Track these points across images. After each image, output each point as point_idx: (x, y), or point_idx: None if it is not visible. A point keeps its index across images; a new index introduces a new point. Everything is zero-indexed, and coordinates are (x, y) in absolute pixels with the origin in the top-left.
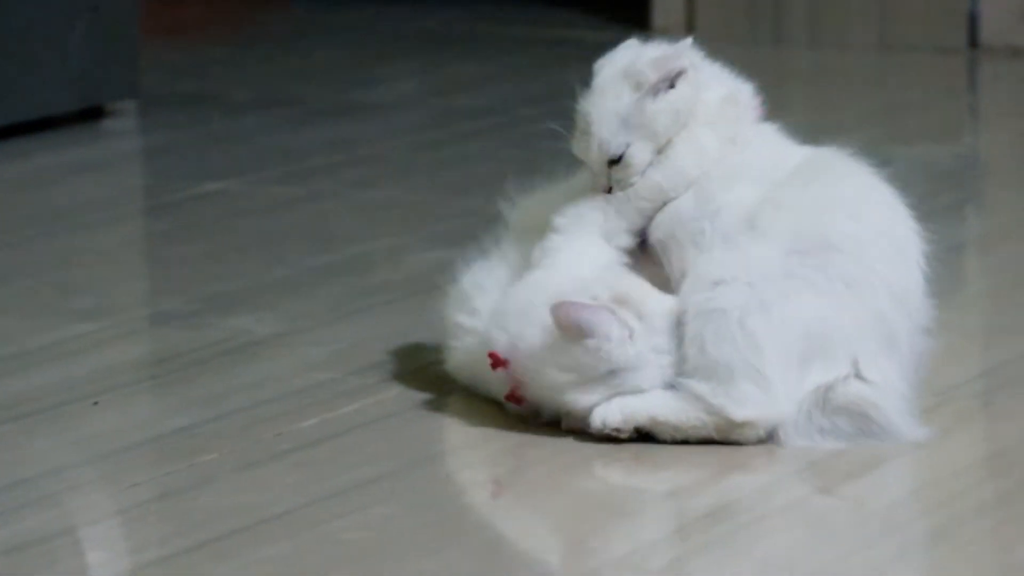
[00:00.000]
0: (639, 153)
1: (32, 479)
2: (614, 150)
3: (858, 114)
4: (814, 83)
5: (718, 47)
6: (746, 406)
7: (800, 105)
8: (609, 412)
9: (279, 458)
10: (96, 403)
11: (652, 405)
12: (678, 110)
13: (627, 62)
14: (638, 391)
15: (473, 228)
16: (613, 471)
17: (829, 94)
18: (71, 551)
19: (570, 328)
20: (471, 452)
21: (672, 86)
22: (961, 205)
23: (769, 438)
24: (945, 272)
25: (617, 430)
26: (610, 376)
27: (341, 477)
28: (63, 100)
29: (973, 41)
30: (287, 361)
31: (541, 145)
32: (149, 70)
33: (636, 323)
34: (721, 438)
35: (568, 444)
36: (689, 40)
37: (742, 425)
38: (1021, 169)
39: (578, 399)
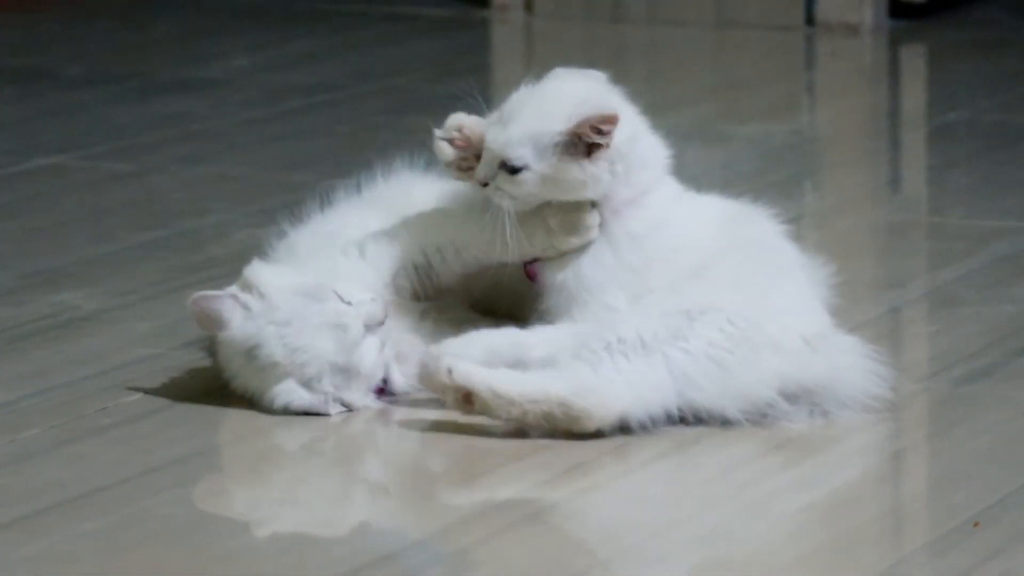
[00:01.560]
0: (531, 180)
1: None
2: (515, 161)
3: (695, 91)
4: (652, 60)
5: (556, 25)
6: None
7: (638, 82)
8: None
9: (100, 433)
10: None
11: None
12: (584, 180)
13: (580, 101)
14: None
15: (301, 204)
16: None
17: (666, 71)
18: None
19: (203, 320)
20: (290, 425)
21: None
22: (797, 180)
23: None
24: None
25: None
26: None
27: (161, 452)
28: None
29: (810, 19)
30: (112, 336)
31: (372, 120)
32: None
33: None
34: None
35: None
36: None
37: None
38: (856, 145)
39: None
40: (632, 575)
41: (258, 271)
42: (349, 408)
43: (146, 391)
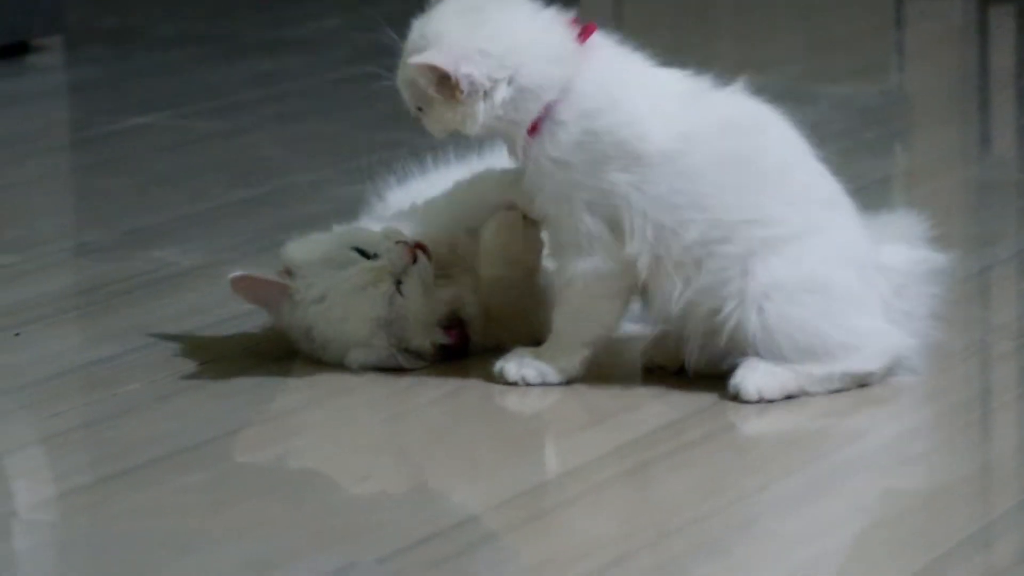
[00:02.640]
0: (431, 119)
1: None
2: (408, 104)
3: (785, 51)
4: (741, 20)
5: None
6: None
7: (727, 41)
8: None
9: (201, 388)
10: (18, 334)
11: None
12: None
13: (419, 47)
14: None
15: (396, 161)
16: None
17: (756, 31)
18: None
19: (250, 301)
20: (384, 382)
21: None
22: (887, 141)
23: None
24: (873, 205)
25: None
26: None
27: (263, 407)
28: None
29: None
30: (210, 292)
31: None
32: (74, 5)
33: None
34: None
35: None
36: None
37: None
38: (946, 105)
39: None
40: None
41: (291, 251)
42: (423, 357)
43: (246, 346)
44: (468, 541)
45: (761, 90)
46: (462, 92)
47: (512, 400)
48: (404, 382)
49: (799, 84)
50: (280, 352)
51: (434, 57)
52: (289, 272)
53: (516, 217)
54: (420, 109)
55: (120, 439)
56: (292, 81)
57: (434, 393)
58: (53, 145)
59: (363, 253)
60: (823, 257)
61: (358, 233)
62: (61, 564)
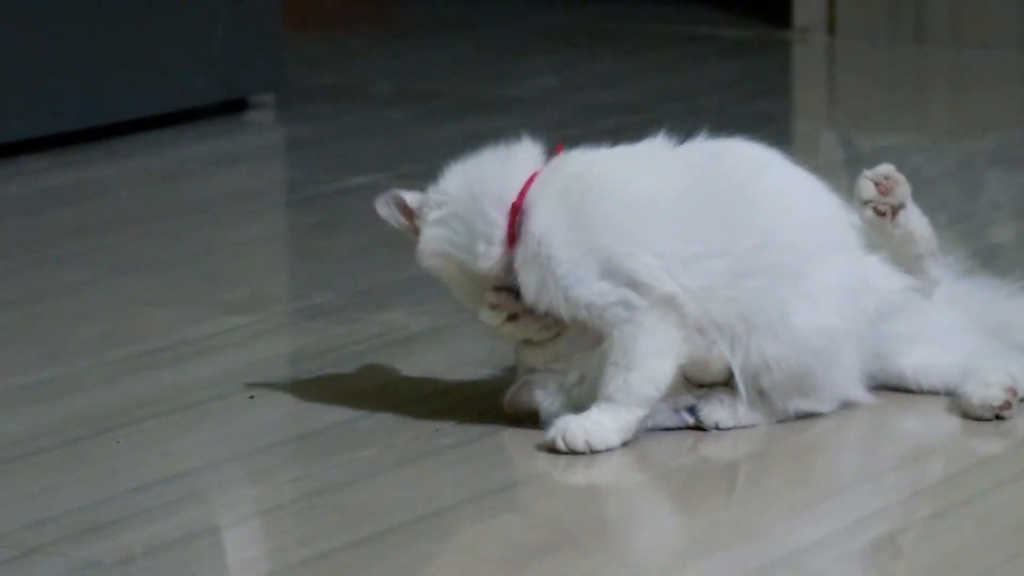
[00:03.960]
0: None
1: (185, 474)
2: None
3: (1000, 114)
4: (956, 81)
5: (859, 46)
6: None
7: (942, 104)
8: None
9: (438, 453)
10: (252, 397)
11: None
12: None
13: None
14: None
15: None
16: None
17: (971, 93)
18: (223, 548)
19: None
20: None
21: None
22: None
23: None
24: None
25: None
26: None
27: (502, 472)
28: (207, 92)
29: None
30: (441, 356)
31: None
32: (291, 62)
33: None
34: None
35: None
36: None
37: None
38: None
39: None
40: None
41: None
42: None
43: (481, 410)
44: None
45: (975, 155)
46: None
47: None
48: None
49: (1014, 148)
50: (513, 417)
51: None
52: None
53: None
54: None
55: (361, 505)
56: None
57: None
58: (273, 204)
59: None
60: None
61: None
62: None
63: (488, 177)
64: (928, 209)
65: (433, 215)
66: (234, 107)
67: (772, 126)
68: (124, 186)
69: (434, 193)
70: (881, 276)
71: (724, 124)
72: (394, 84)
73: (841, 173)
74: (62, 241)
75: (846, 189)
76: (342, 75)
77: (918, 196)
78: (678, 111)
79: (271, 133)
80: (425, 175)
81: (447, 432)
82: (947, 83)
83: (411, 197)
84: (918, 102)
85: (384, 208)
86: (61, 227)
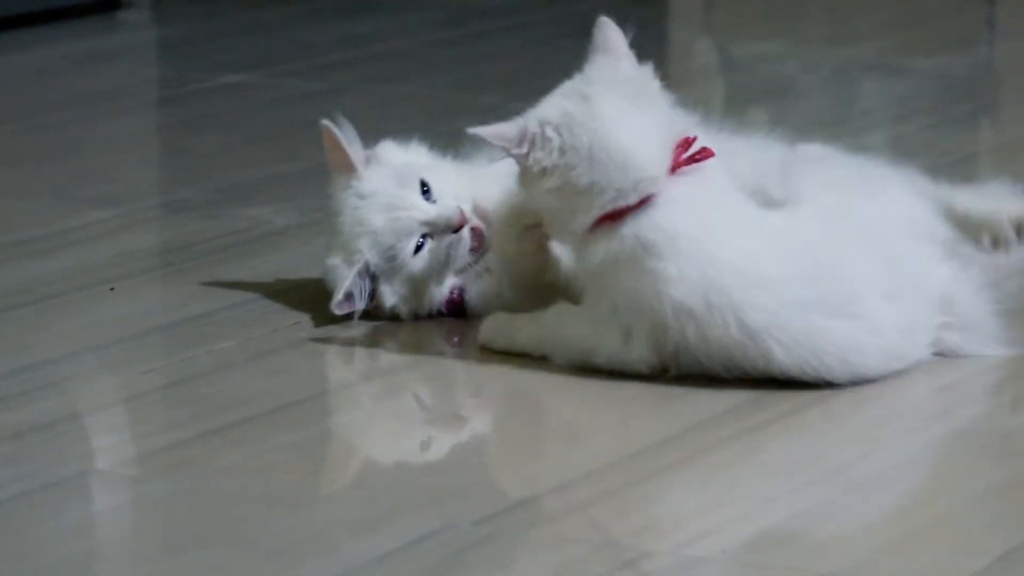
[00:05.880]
0: None
1: (46, 362)
2: None
3: (876, 24)
4: None
5: None
6: None
7: (817, 14)
8: None
9: (295, 347)
10: (112, 288)
11: None
12: None
13: None
14: None
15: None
16: None
17: (846, 3)
18: (82, 436)
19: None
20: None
21: None
22: (976, 115)
23: None
24: (960, 181)
25: None
26: None
27: (356, 367)
28: None
29: None
30: (303, 252)
31: (558, 44)
32: None
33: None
34: None
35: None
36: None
37: None
38: None
39: None
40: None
41: (385, 146)
42: (395, 312)
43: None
44: (563, 506)
45: (851, 63)
46: None
47: (595, 378)
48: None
49: (889, 57)
50: (375, 312)
51: None
52: (367, 160)
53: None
54: None
55: (214, 396)
56: (387, 42)
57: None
58: (143, 102)
59: (425, 189)
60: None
61: (442, 171)
62: (153, 520)
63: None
64: (803, 116)
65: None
66: (108, 6)
67: (647, 31)
68: None
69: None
70: None
71: None
72: None
73: (715, 79)
74: None
75: (720, 95)
76: None
77: (793, 103)
78: (553, 15)
79: (144, 32)
80: (295, 74)
81: (304, 326)
82: None
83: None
84: (795, 10)
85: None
86: None
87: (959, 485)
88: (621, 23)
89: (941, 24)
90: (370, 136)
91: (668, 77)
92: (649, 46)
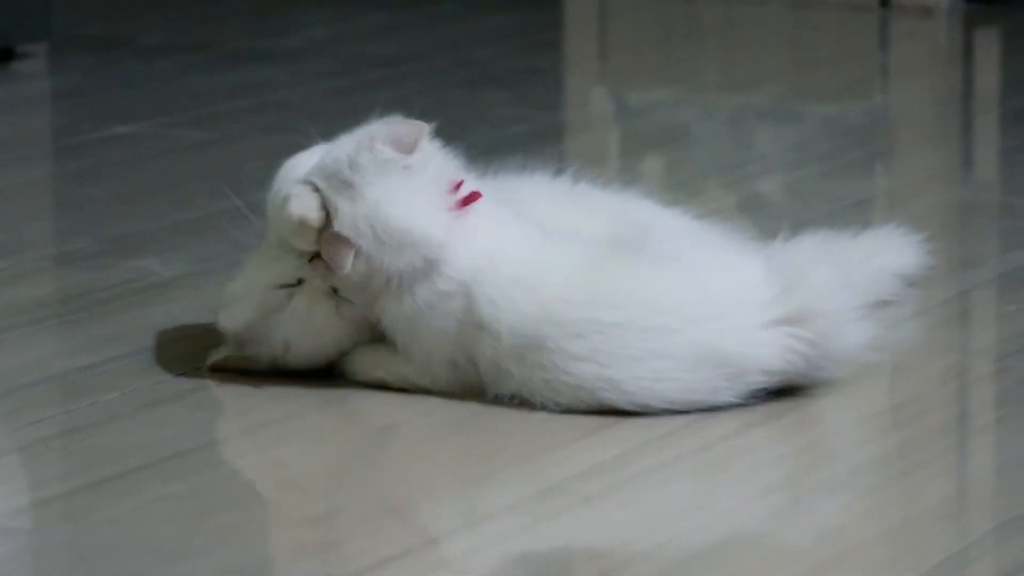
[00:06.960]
0: None
1: None
2: None
3: (770, 70)
4: (727, 38)
5: (631, 4)
6: None
7: (712, 61)
8: None
9: (181, 397)
10: None
11: None
12: None
13: None
14: None
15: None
16: None
17: (742, 49)
18: None
19: None
20: (372, 399)
21: None
22: (870, 161)
23: None
24: (855, 226)
25: None
26: None
27: (245, 417)
28: None
29: (885, 0)
30: (192, 302)
31: (451, 93)
32: (59, 12)
33: None
34: None
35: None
36: None
37: None
38: (929, 126)
39: None
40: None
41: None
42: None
43: (227, 357)
44: (444, 556)
45: (746, 110)
46: None
47: (507, 414)
48: (394, 396)
49: (784, 103)
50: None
51: None
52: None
53: None
54: None
55: (99, 448)
56: (278, 92)
57: (424, 406)
58: (36, 152)
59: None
60: None
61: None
62: (38, 572)
63: None
64: (697, 162)
65: None
66: (2, 57)
67: (542, 79)
68: None
69: None
70: None
71: (495, 77)
72: (163, 35)
73: (611, 126)
74: None
75: (617, 143)
76: (111, 26)
77: (689, 150)
78: (448, 64)
79: (38, 83)
80: (187, 124)
81: (191, 377)
82: (718, 39)
83: None
84: (689, 57)
85: None
86: None
87: (834, 537)
88: (517, 72)
89: (835, 70)
90: (259, 186)
91: (564, 126)
92: (544, 95)
